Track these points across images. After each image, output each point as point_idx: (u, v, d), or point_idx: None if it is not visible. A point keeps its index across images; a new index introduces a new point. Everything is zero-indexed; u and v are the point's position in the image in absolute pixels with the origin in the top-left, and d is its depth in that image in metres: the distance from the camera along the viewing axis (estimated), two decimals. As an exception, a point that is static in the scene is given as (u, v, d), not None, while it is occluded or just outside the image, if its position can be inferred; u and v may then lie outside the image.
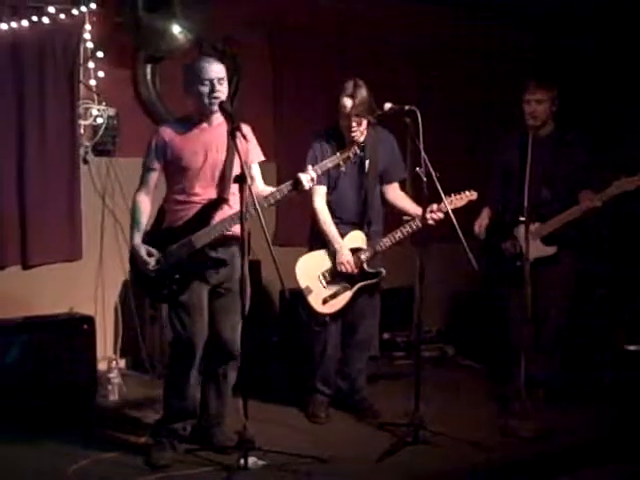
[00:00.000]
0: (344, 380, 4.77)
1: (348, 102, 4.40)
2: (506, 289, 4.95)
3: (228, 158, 3.93)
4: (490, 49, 6.49)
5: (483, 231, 4.97)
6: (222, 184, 3.94)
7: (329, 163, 4.05)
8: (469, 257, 4.06)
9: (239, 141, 3.73)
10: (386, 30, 6.15)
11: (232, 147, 3.87)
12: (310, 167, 3.98)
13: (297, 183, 3.91)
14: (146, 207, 3.97)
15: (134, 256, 3.93)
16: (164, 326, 4.23)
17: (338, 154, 4.06)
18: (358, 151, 4.10)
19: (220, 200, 3.93)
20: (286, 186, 3.94)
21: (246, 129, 3.92)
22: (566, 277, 4.86)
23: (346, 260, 4.48)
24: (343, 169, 4.36)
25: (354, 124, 4.42)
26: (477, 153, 6.21)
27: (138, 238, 3.92)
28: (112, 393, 4.93)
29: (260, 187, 4.05)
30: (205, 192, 3.92)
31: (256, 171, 4.09)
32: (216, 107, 3.85)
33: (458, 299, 6.52)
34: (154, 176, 3.98)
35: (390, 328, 5.94)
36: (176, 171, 3.94)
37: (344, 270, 4.48)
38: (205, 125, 3.94)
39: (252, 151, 4.01)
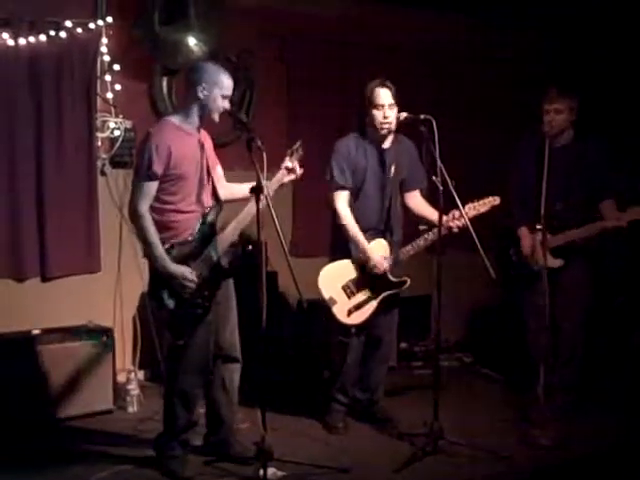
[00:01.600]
0: (363, 391, 4.76)
1: (384, 91, 4.40)
2: (521, 296, 4.93)
3: (208, 163, 3.96)
4: (506, 55, 6.49)
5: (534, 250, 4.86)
6: (212, 189, 3.98)
7: (287, 162, 4.03)
8: (486, 265, 4.05)
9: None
10: (402, 38, 6.16)
11: (205, 153, 3.92)
12: (287, 158, 4.01)
13: (289, 170, 3.98)
14: (153, 223, 3.81)
15: (170, 278, 3.78)
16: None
17: (294, 151, 4.07)
18: (299, 142, 4.08)
19: (216, 206, 3.95)
20: (282, 174, 3.98)
21: (205, 135, 4.00)
22: (580, 286, 4.81)
23: (378, 261, 4.44)
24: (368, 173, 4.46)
25: (387, 108, 4.39)
26: (494, 159, 6.19)
27: (169, 260, 3.78)
28: (131, 405, 4.94)
29: (226, 184, 4.12)
30: (201, 200, 3.92)
31: (221, 172, 4.14)
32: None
33: (476, 308, 6.50)
34: (156, 187, 3.80)
35: (407, 338, 5.94)
36: (173, 180, 3.83)
37: (377, 271, 4.45)
38: (195, 132, 3.93)
39: (214, 155, 4.06)
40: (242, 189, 4.01)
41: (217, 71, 3.89)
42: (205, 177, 3.94)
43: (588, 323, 4.92)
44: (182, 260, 3.84)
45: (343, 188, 4.48)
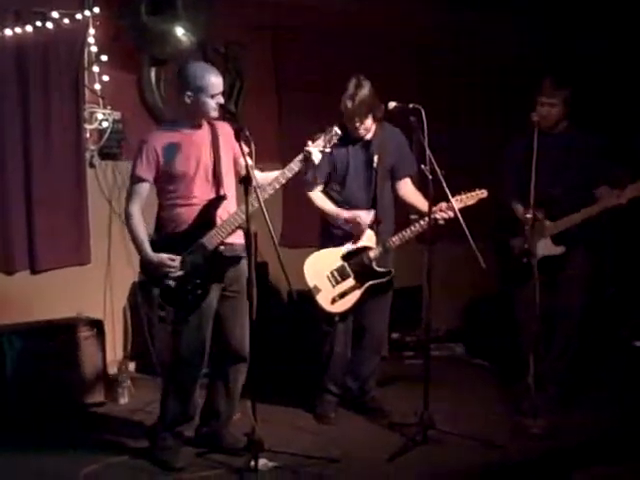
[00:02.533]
0: (354, 381, 4.76)
1: (348, 103, 4.39)
2: (514, 286, 4.93)
3: (217, 158, 3.94)
4: (497, 47, 6.49)
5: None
6: (217, 182, 3.95)
7: (321, 142, 3.96)
8: (476, 255, 4.05)
9: (240, 142, 3.75)
10: (390, 30, 6.14)
11: (218, 146, 3.92)
12: (310, 142, 3.94)
13: (306, 157, 3.91)
14: (142, 220, 3.89)
15: (153, 267, 3.83)
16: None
17: (322, 135, 3.98)
18: (338, 131, 3.99)
19: (219, 198, 3.93)
20: (296, 163, 3.92)
21: (223, 128, 3.96)
22: (579, 278, 4.80)
23: (359, 216, 4.44)
24: (351, 163, 4.49)
25: (357, 123, 4.42)
26: (484, 150, 6.20)
27: (150, 249, 3.84)
28: (122, 396, 4.93)
29: (259, 175, 4.01)
30: (204, 194, 3.92)
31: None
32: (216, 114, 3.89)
33: (467, 298, 6.51)
34: (147, 187, 3.91)
35: (399, 328, 5.94)
36: (170, 179, 3.90)
37: (363, 226, 4.44)
38: (194, 130, 3.93)
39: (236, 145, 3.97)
40: (266, 177, 3.98)
41: (202, 74, 3.84)
42: (209, 171, 3.93)
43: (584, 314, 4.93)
44: (172, 247, 3.85)
45: (315, 184, 4.54)
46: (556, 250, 4.70)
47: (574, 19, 6.28)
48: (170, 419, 4.01)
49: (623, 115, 6.18)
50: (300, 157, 3.92)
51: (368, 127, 4.47)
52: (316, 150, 3.92)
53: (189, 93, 3.83)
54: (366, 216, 4.48)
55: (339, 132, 4.01)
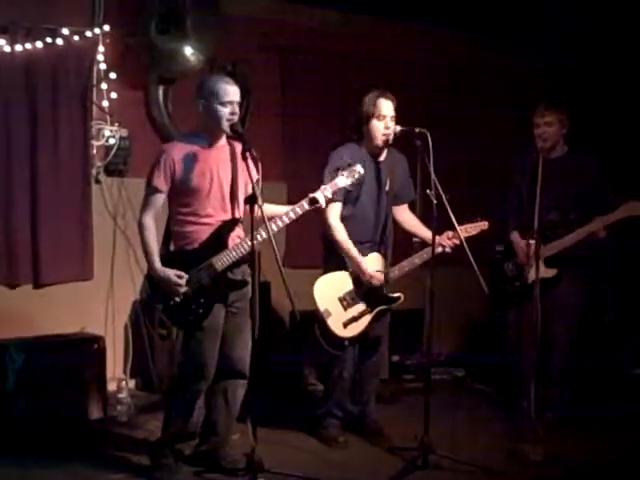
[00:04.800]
0: (355, 405, 4.74)
1: (387, 102, 4.42)
2: (508, 310, 4.94)
3: (234, 178, 3.95)
4: (499, 71, 6.53)
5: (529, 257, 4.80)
6: (232, 205, 3.96)
7: (340, 183, 4.07)
8: (480, 281, 4.05)
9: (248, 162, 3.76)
10: (399, 51, 6.19)
11: (236, 167, 3.92)
12: (324, 187, 4.03)
13: (313, 202, 3.95)
14: (154, 231, 3.90)
15: (160, 281, 3.84)
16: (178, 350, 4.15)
17: (345, 173, 4.07)
18: (362, 171, 4.11)
19: (233, 221, 3.95)
20: (301, 206, 3.96)
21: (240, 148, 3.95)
22: (573, 301, 4.82)
23: (373, 274, 4.42)
24: (365, 186, 4.44)
25: (390, 124, 4.41)
26: (487, 176, 6.22)
27: (159, 263, 3.85)
28: (122, 414, 4.92)
29: (265, 206, 3.97)
30: (216, 213, 3.93)
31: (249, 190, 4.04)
32: (229, 129, 3.87)
33: (468, 322, 6.50)
34: (162, 198, 3.91)
35: (399, 351, 5.93)
36: (184, 192, 3.89)
37: (375, 283, 4.43)
38: (212, 145, 3.94)
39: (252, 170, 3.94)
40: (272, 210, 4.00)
41: (214, 82, 3.90)
42: (225, 191, 3.94)
43: (579, 338, 4.92)
44: (182, 266, 3.86)
45: (334, 200, 4.38)
46: (548, 273, 4.70)
47: (575, 38, 6.32)
48: (172, 434, 4.01)
49: (621, 134, 6.21)
50: (305, 202, 3.97)
51: (392, 133, 4.44)
52: (322, 196, 3.97)
53: (202, 101, 3.87)
54: (379, 280, 4.43)
55: (362, 171, 4.09)
